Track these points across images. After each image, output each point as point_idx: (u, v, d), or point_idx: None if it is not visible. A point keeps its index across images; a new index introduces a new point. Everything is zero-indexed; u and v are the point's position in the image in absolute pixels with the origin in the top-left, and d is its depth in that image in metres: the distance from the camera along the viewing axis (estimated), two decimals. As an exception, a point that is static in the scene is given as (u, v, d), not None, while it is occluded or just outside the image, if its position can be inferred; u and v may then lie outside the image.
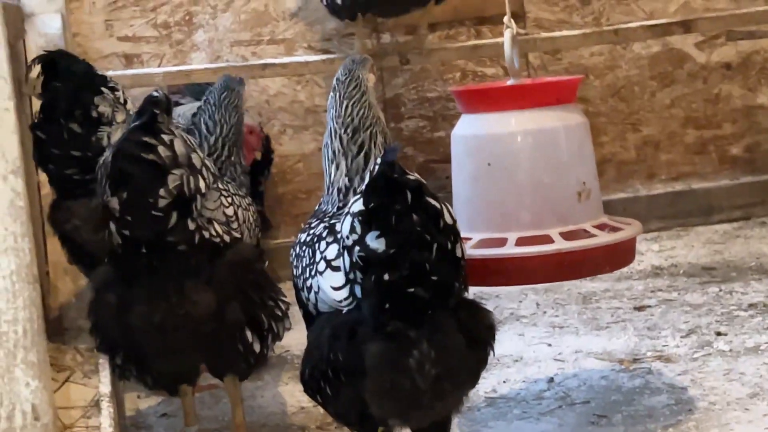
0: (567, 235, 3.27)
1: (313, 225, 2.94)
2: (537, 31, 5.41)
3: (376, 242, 2.52)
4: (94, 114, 3.63)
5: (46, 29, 5.02)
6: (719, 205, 5.53)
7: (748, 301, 4.29)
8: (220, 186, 3.17)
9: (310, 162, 5.48)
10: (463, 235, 3.27)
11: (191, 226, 2.95)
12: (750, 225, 5.44)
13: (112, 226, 2.91)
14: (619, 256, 3.42)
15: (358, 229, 2.54)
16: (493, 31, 5.50)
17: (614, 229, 3.41)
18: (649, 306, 4.39)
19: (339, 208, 2.94)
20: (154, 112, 2.87)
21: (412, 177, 2.53)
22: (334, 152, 3.04)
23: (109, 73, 4.87)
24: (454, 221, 2.59)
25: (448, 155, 5.59)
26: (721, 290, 4.47)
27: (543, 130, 3.34)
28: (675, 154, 5.65)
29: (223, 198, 3.13)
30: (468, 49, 4.90)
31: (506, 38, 3.61)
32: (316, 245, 2.82)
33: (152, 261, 2.93)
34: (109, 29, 5.37)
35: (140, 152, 2.86)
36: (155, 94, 2.92)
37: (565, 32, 4.90)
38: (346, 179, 2.99)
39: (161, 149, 2.87)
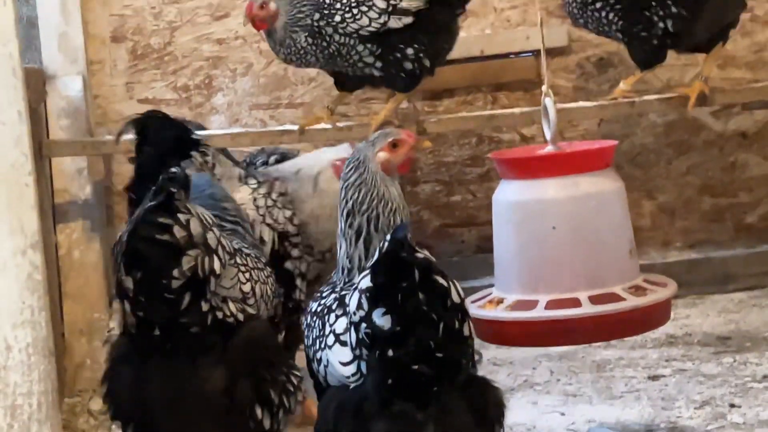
0: (631, 291, 3.37)
1: (324, 294, 2.96)
2: (553, 99, 5.45)
3: (382, 319, 2.53)
4: None
5: (67, 91, 5.11)
6: (735, 274, 5.51)
7: (762, 372, 4.28)
8: (238, 261, 3.18)
9: (325, 224, 5.50)
10: (524, 298, 3.36)
11: (204, 307, 2.96)
12: (766, 294, 5.41)
13: (127, 306, 2.92)
14: (668, 310, 3.58)
15: (366, 305, 2.56)
16: (509, 97, 5.55)
17: (658, 284, 3.51)
18: (664, 375, 4.37)
19: (346, 282, 2.97)
20: (171, 191, 2.88)
21: (420, 255, 2.55)
22: (337, 233, 3.07)
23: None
24: (462, 299, 2.60)
25: (464, 219, 5.68)
26: (735, 361, 4.45)
27: (603, 192, 3.49)
28: (691, 222, 5.65)
29: (240, 274, 3.14)
30: (484, 118, 4.93)
31: (550, 106, 3.68)
32: (326, 317, 2.84)
33: (165, 341, 2.95)
34: (129, 91, 5.43)
35: (155, 233, 2.86)
36: (173, 170, 2.95)
37: (581, 103, 4.92)
38: (347, 260, 3.01)
39: (176, 229, 2.87)
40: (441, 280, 2.56)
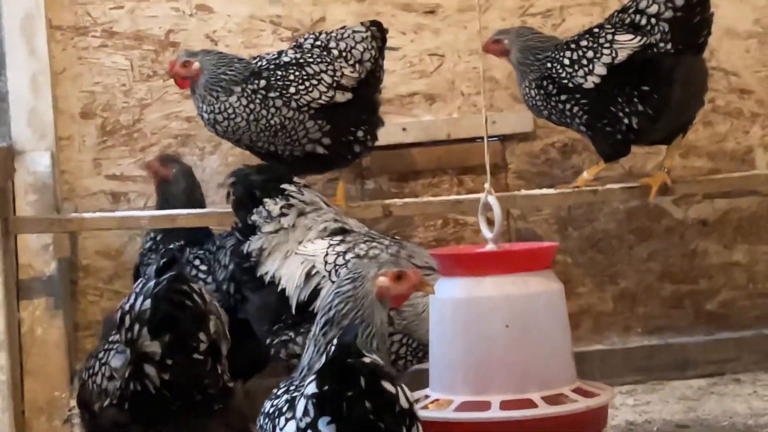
0: (577, 393, 3.38)
1: (278, 394, 2.95)
2: (518, 182, 5.54)
3: (327, 428, 2.50)
4: (249, 222, 4.29)
5: (35, 166, 5.12)
6: (694, 360, 5.56)
7: (720, 464, 4.31)
8: None
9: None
10: (473, 399, 3.32)
11: (219, 369, 3.12)
12: (724, 381, 5.46)
13: (151, 370, 3.01)
14: (606, 414, 3.60)
15: (311, 412, 2.52)
16: (475, 180, 5.60)
17: (596, 387, 3.53)
18: (623, 465, 4.40)
19: (300, 384, 2.97)
20: (182, 264, 3.09)
21: (367, 360, 2.52)
22: (309, 336, 3.07)
23: (96, 214, 5.00)
24: (411, 404, 2.58)
25: (428, 300, 5.68)
26: (694, 451, 4.49)
27: (549, 291, 3.49)
28: (651, 307, 5.70)
29: None
30: (450, 203, 5.00)
31: (494, 204, 3.68)
32: (276, 420, 2.82)
33: (181, 406, 3.05)
34: (97, 167, 5.44)
35: (183, 299, 3.02)
36: (170, 247, 3.09)
37: (545, 191, 5.01)
38: (308, 363, 3.01)
39: (196, 297, 3.05)
40: (389, 387, 2.52)
